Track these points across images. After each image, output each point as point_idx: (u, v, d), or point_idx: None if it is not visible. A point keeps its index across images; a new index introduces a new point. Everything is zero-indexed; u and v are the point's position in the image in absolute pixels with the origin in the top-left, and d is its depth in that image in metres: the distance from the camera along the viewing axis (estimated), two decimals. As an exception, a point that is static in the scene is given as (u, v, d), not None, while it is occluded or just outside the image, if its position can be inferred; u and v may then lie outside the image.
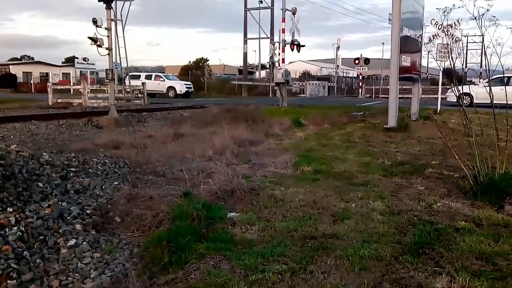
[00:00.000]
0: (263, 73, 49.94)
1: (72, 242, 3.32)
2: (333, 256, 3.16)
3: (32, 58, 68.01)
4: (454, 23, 12.01)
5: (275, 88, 25.67)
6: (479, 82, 19.40)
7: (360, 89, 40.83)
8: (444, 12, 6.14)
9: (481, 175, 4.75)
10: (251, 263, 3.02)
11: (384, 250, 3.27)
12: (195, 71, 49.67)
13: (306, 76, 51.77)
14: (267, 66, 34.25)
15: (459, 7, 5.63)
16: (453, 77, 6.57)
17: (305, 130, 11.21)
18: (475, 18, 5.28)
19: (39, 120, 12.45)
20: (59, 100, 21.47)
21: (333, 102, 25.51)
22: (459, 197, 4.75)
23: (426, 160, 6.80)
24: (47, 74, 50.77)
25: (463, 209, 4.31)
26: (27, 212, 3.53)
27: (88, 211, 3.91)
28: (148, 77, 33.69)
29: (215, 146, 7.62)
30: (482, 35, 5.31)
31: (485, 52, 5.29)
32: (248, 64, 47.37)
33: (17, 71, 53.50)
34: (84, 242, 3.34)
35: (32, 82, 49.72)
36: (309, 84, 44.72)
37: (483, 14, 5.22)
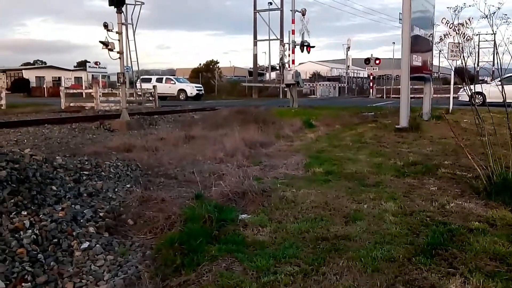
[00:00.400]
0: (273, 75, 49.86)
1: (85, 244, 3.35)
2: (345, 257, 3.15)
3: (45, 63, 68.79)
4: (465, 21, 11.91)
5: (286, 89, 25.66)
6: (490, 80, 19.19)
7: (371, 90, 40.61)
8: (455, 11, 6.10)
9: (495, 175, 4.70)
10: (263, 265, 3.03)
11: (397, 251, 3.25)
12: (205, 73, 49.83)
13: (316, 77, 51.63)
14: (277, 68, 34.19)
15: (470, 6, 5.59)
16: (465, 76, 6.52)
17: (316, 131, 11.18)
18: (486, 16, 5.23)
19: (52, 124, 12.60)
20: (71, 104, 21.71)
21: (344, 102, 25.42)
22: (472, 197, 4.71)
23: (439, 160, 6.74)
24: (59, 78, 51.26)
25: (477, 210, 4.27)
26: (41, 215, 3.57)
27: (101, 214, 3.95)
28: (159, 80, 33.91)
29: (226, 148, 7.64)
30: (494, 34, 5.26)
31: (497, 50, 5.23)
32: (258, 65, 47.40)
33: (30, 75, 54.14)
34: (97, 245, 3.38)
35: (44, 86, 50.31)
36: (320, 85, 44.59)
37: (494, 12, 5.18)
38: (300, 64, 51.00)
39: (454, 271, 2.93)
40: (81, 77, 51.58)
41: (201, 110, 19.21)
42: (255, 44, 42.89)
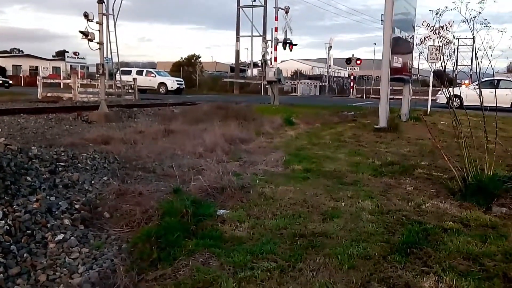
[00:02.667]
0: (255, 71, 49.86)
1: (60, 236, 3.29)
2: (322, 254, 3.17)
3: (22, 51, 67.27)
4: (446, 25, 12.11)
5: (267, 86, 25.69)
6: (463, 83, 19.52)
7: (351, 89, 40.96)
8: (436, 14, 6.17)
9: (470, 176, 4.79)
10: (240, 260, 3.03)
11: (373, 249, 3.28)
12: (186, 67, 49.51)
13: (298, 75, 51.89)
14: (259, 64, 34.17)
15: (451, 10, 5.66)
16: (443, 79, 6.62)
17: (296, 129, 11.23)
18: (467, 20, 5.31)
19: (28, 113, 12.33)
20: (48, 94, 21.33)
21: (325, 101, 25.58)
22: (447, 197, 4.79)
23: (416, 161, 6.84)
24: (37, 67, 50.41)
25: (451, 210, 4.35)
26: (15, 206, 3.49)
27: (76, 206, 3.88)
28: (139, 73, 33.56)
29: (206, 143, 7.60)
30: (473, 38, 5.34)
31: (476, 55, 5.31)
32: (240, 61, 47.30)
33: (6, 64, 52.92)
34: (72, 237, 3.32)
35: (21, 75, 49.29)
36: (301, 83, 44.77)
37: (475, 17, 5.26)
38: (282, 61, 50.95)
39: (428, 270, 2.98)
40: (59, 67, 50.69)
41: (182, 104, 19.06)
42: (237, 40, 42.81)
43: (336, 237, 3.53)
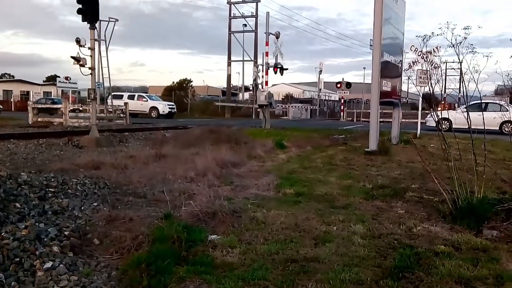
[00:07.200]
0: (246, 95, 50.20)
1: (48, 264, 3.25)
2: (314, 279, 3.15)
3: (13, 76, 67.19)
4: (433, 50, 12.31)
5: (258, 110, 25.80)
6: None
7: (341, 113, 41.31)
8: (423, 39, 6.30)
9: (460, 199, 4.82)
10: (231, 287, 3.00)
11: (365, 273, 3.27)
12: (178, 92, 49.68)
13: (289, 98, 52.28)
14: (251, 88, 34.42)
15: (437, 35, 5.78)
16: (432, 102, 6.72)
17: (288, 152, 11.25)
18: (453, 45, 5.43)
19: (18, 139, 12.27)
20: (39, 119, 21.25)
21: (315, 125, 25.73)
22: (438, 221, 4.80)
23: (406, 184, 6.87)
24: (27, 92, 50.36)
25: (443, 233, 4.35)
26: (3, 233, 3.45)
27: (66, 233, 3.84)
28: (131, 97, 33.65)
29: (197, 168, 7.58)
30: (460, 62, 5.45)
31: (463, 78, 5.41)
32: (231, 85, 47.65)
33: (-3, 88, 52.88)
34: (61, 265, 3.27)
35: (12, 100, 49.17)
36: (292, 106, 45.11)
37: (461, 42, 5.37)
38: (273, 85, 51.61)
39: (421, 294, 2.97)
40: (51, 92, 50.68)
41: (173, 128, 19.07)
42: (229, 64, 43.23)
43: (328, 262, 3.51)
